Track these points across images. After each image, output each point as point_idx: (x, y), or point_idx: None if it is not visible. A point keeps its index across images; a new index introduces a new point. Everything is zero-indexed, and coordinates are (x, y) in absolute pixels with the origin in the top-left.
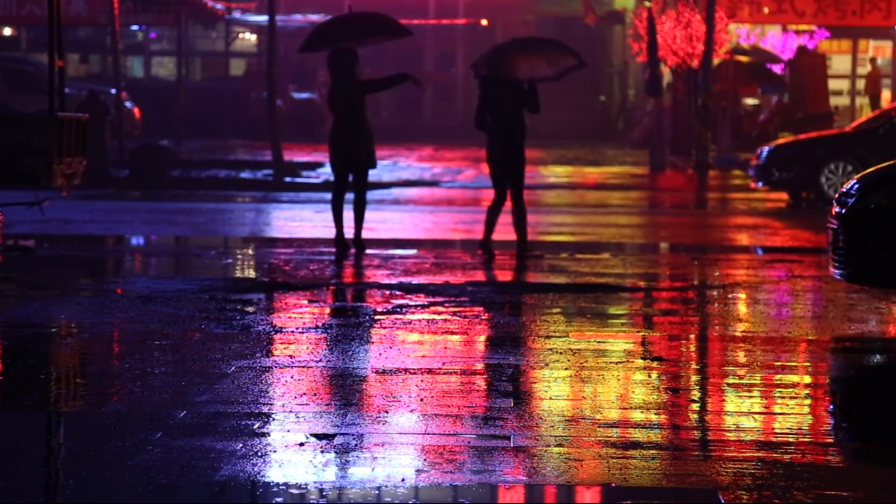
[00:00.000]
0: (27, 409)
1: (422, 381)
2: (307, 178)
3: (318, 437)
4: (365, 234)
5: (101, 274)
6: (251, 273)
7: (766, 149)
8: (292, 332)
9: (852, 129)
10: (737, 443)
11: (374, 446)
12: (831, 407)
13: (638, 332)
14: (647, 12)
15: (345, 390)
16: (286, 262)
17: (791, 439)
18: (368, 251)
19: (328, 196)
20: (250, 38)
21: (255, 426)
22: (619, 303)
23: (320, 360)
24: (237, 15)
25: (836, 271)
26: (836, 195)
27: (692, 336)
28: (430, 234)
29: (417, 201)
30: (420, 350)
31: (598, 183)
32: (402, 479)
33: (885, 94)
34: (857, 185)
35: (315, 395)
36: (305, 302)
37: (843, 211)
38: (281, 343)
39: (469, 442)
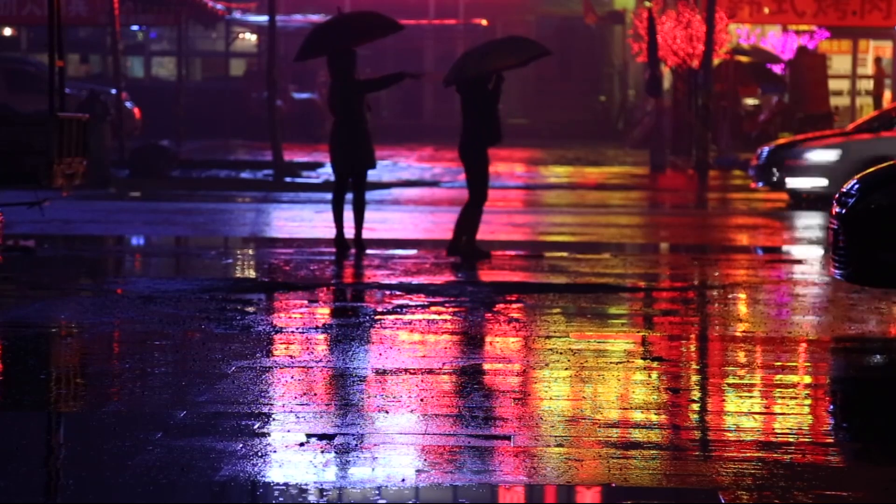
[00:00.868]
0: (27, 409)
1: (422, 381)
2: (307, 178)
3: (319, 437)
4: (365, 234)
5: (101, 274)
6: (251, 273)
7: (766, 149)
8: (292, 332)
9: (852, 129)
10: (737, 443)
11: (374, 446)
12: (831, 407)
13: (638, 332)
14: (648, 12)
15: (345, 390)
16: (286, 262)
17: (791, 439)
18: (368, 251)
19: (328, 196)
20: (250, 38)
21: (256, 426)
22: (619, 303)
23: (320, 360)
24: (237, 15)
25: (836, 271)
26: (836, 195)
27: (692, 336)
28: (430, 234)
29: (417, 201)
30: (420, 350)
31: (598, 183)
32: (403, 479)
33: (887, 95)
34: (857, 185)
35: (315, 395)
36: (305, 302)
37: (843, 211)
38: (281, 343)
39: (469, 442)
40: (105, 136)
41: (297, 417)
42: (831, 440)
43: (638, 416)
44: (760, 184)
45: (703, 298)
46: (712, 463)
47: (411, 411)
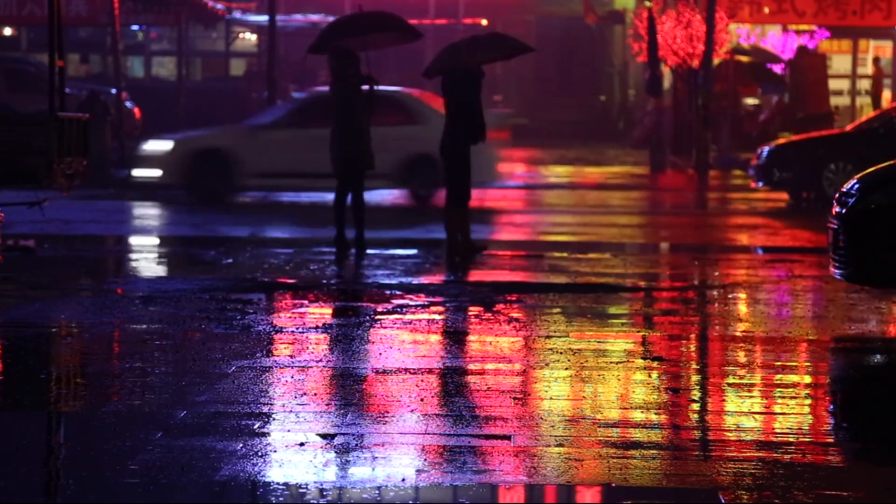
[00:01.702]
0: (27, 409)
1: (422, 381)
2: None
3: (319, 437)
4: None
5: (101, 274)
6: (251, 273)
7: (766, 149)
8: (292, 332)
9: (852, 129)
10: (737, 443)
11: (374, 446)
12: (831, 407)
13: (638, 332)
14: (648, 12)
15: (345, 390)
16: (286, 261)
17: (791, 439)
18: (368, 251)
19: (329, 196)
20: (250, 38)
21: (256, 426)
22: (619, 303)
23: (320, 360)
24: (237, 15)
25: (836, 271)
26: (836, 195)
27: (692, 336)
28: (430, 234)
29: None
30: (420, 350)
31: (598, 183)
32: (403, 479)
33: (886, 94)
34: (857, 185)
35: (315, 395)
36: (306, 302)
37: (843, 211)
38: (281, 343)
39: (469, 442)
40: (105, 136)
41: (297, 417)
42: (831, 440)
43: (638, 415)
44: (761, 184)
45: (703, 298)
46: (712, 463)
47: (411, 411)
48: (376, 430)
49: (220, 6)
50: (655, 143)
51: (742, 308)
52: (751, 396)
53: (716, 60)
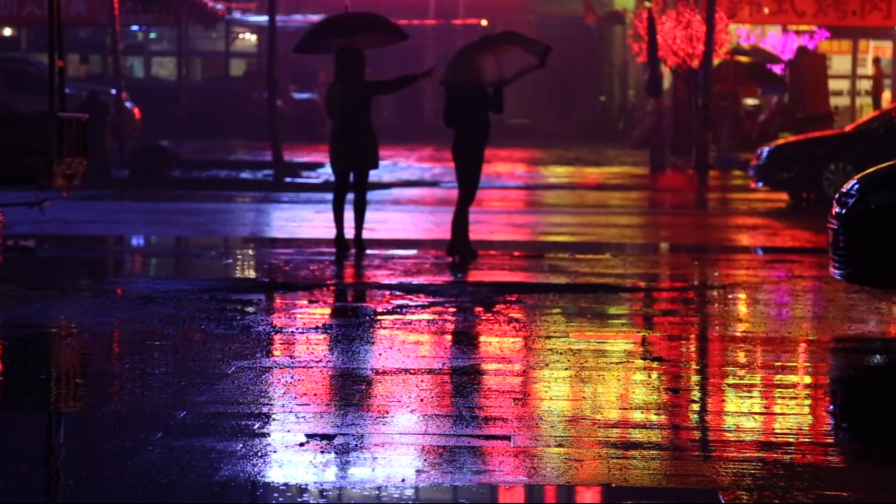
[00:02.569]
0: (27, 409)
1: (422, 381)
2: (307, 178)
3: (319, 437)
4: (365, 234)
5: (101, 274)
6: (251, 273)
7: (766, 149)
8: (292, 332)
9: (852, 129)
10: (737, 443)
11: (374, 446)
12: (831, 407)
13: (638, 332)
14: (648, 12)
15: (345, 390)
16: (286, 262)
17: (791, 439)
18: (368, 251)
19: (328, 196)
20: (250, 38)
21: (256, 426)
22: (619, 303)
23: (320, 360)
24: (237, 15)
25: (836, 271)
26: (836, 195)
27: (692, 336)
28: (430, 234)
29: (418, 201)
30: (420, 350)
31: (598, 183)
32: (403, 480)
33: (886, 95)
34: (857, 185)
35: (315, 395)
36: (306, 302)
37: (843, 211)
38: (281, 343)
39: (469, 442)
40: (105, 136)
41: (297, 417)
42: (831, 440)
43: (638, 416)
44: (760, 184)
45: (703, 298)
46: (712, 463)
47: (411, 411)
48: (376, 431)
49: (220, 6)
50: (655, 143)
51: (742, 308)
52: (751, 397)
53: (716, 61)
